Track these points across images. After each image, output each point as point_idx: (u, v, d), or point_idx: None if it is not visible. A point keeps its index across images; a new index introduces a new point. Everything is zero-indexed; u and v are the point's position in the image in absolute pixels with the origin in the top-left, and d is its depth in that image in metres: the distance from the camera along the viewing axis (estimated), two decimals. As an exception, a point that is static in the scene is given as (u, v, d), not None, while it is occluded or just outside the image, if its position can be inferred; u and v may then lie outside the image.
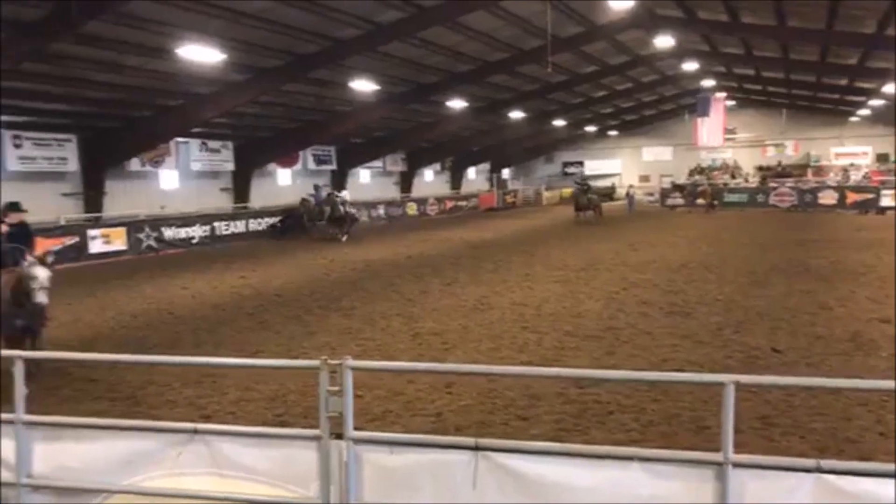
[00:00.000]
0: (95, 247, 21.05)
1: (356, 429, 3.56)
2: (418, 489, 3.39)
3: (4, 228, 8.77)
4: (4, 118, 20.26)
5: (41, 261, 8.35)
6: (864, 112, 38.73)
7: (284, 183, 32.31)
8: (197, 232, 24.53)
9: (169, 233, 23.50)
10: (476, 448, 3.36)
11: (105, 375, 8.26)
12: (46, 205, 21.82)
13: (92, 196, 23.07)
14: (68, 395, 7.62)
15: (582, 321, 10.97)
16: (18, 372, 3.90)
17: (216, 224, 25.43)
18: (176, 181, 26.84)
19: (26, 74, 16.70)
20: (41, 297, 7.92)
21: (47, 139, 21.55)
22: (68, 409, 6.59)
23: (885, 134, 41.90)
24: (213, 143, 27.42)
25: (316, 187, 28.64)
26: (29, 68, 16.14)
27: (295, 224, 27.16)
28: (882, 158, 43.32)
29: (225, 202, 28.49)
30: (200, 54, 17.34)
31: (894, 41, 20.77)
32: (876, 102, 34.22)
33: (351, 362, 3.56)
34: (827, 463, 3.01)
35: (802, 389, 6.86)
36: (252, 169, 29.24)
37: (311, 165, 32.85)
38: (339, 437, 3.50)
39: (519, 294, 13.49)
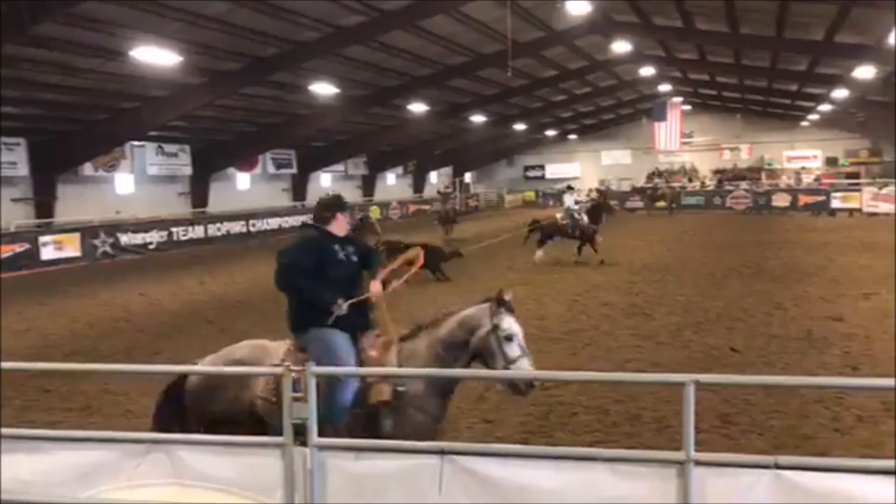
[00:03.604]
0: (47, 253, 20.46)
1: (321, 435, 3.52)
2: (385, 495, 3.36)
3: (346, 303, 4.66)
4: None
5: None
6: (814, 117, 39.87)
7: (244, 187, 31.92)
8: (154, 237, 24.06)
9: (125, 238, 23.00)
10: (442, 452, 3.35)
11: (59, 386, 8.03)
12: (-5, 210, 21.24)
13: (43, 201, 22.47)
14: (20, 405, 7.38)
15: (545, 323, 11.04)
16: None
17: (174, 229, 24.98)
18: (131, 186, 26.31)
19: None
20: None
21: (-5, 143, 20.96)
22: (21, 421, 6.38)
23: (834, 138, 43.27)
24: (169, 147, 26.95)
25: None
26: (-24, 70, 15.65)
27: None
28: (832, 162, 44.68)
29: (183, 207, 28.00)
30: (156, 56, 17.05)
31: (841, 48, 21.50)
32: (825, 108, 35.26)
33: (314, 368, 3.54)
34: (784, 459, 3.07)
35: (760, 388, 7.02)
36: (210, 173, 28.81)
37: (271, 169, 32.53)
38: (304, 444, 3.45)
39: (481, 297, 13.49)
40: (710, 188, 41.90)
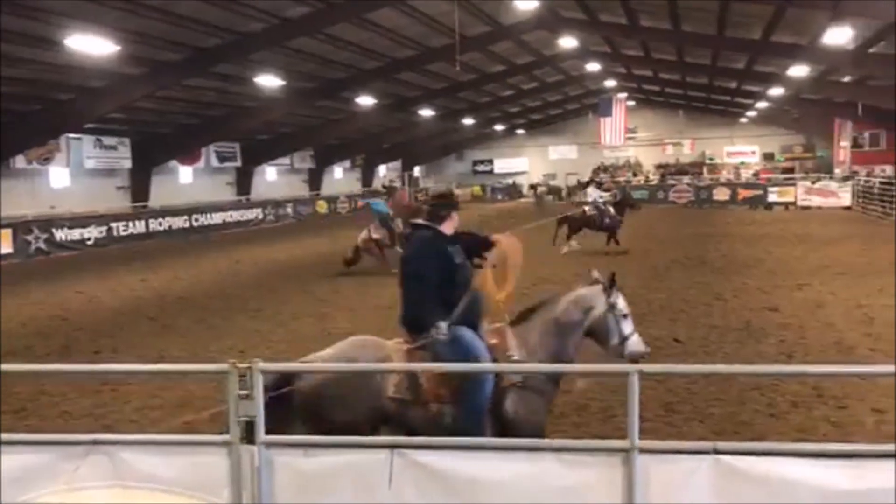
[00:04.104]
0: (-23, 250, 19.64)
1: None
2: (335, 491, 3.33)
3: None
4: None
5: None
6: (752, 114, 41.18)
7: (186, 181, 31.18)
8: (92, 233, 23.30)
9: (60, 234, 22.20)
10: (392, 446, 3.34)
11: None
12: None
13: (-28, 195, 21.51)
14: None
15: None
16: None
17: (113, 224, 24.24)
18: (67, 179, 25.42)
19: None
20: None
21: (-81, 134, 19.94)
22: (-51, 426, 6.10)
23: (771, 134, 44.79)
24: (108, 140, 26.12)
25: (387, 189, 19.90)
26: None
27: None
28: (769, 157, 46.24)
29: (122, 201, 27.20)
30: (93, 45, 16.47)
31: (777, 48, 22.24)
32: (762, 105, 36.45)
33: (262, 365, 3.47)
34: (723, 445, 3.17)
35: (702, 377, 7.23)
36: (151, 166, 28.04)
37: (215, 162, 31.87)
38: (251, 441, 3.40)
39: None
40: (654, 182, 42.83)
